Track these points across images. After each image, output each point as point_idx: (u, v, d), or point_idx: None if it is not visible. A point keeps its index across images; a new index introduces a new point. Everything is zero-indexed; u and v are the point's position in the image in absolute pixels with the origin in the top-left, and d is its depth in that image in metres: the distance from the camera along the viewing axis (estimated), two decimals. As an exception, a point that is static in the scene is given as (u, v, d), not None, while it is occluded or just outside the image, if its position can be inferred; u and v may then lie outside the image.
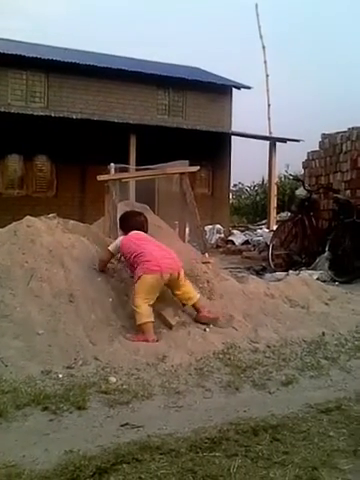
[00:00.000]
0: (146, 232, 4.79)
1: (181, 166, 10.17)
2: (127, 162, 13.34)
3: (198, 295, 4.60)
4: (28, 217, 4.95)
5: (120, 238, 4.70)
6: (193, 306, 4.57)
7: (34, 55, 15.26)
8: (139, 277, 4.24)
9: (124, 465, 2.47)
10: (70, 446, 2.63)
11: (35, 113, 14.32)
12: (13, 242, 4.60)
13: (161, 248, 4.52)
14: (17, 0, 57.39)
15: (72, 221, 5.35)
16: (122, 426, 2.93)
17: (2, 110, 13.82)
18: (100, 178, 9.59)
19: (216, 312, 4.65)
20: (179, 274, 4.44)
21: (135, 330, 4.21)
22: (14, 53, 14.93)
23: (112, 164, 10.72)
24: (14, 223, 4.94)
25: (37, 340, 3.78)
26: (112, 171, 10.58)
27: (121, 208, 8.59)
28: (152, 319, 4.22)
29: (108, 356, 3.83)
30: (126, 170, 11.67)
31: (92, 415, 3.04)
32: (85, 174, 15.74)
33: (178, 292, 4.52)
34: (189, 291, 4.56)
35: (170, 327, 4.38)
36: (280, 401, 3.41)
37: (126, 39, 41.21)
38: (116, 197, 8.96)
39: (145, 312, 4.19)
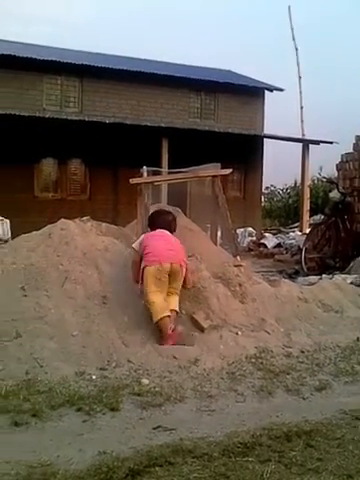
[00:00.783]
0: (173, 232, 4.74)
1: (213, 169, 10.17)
2: (159, 165, 13.38)
3: (174, 313, 4.33)
4: (63, 220, 5.03)
5: (143, 235, 4.69)
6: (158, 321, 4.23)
7: (68, 60, 15.48)
8: (143, 270, 4.23)
9: (157, 468, 2.48)
10: (103, 447, 2.65)
11: (69, 118, 14.53)
12: (48, 244, 4.67)
13: (167, 242, 4.46)
14: (46, 7, 58.34)
15: (105, 224, 5.41)
16: (154, 429, 2.95)
17: (37, 115, 14.07)
18: (133, 181, 9.67)
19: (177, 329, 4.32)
20: (181, 265, 4.36)
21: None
22: (49, 59, 15.17)
23: (145, 167, 10.76)
24: (49, 226, 5.02)
25: (71, 341, 3.83)
26: (145, 174, 10.63)
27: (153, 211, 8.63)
28: (168, 313, 4.15)
29: (140, 358, 3.85)
30: (158, 173, 11.73)
31: (125, 417, 3.06)
32: (118, 177, 15.86)
33: (171, 291, 4.37)
34: (172, 302, 4.36)
35: (202, 330, 4.38)
36: (314, 407, 3.37)
37: (157, 43, 41.35)
38: (148, 200, 9.02)
39: (159, 308, 4.13)
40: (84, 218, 5.40)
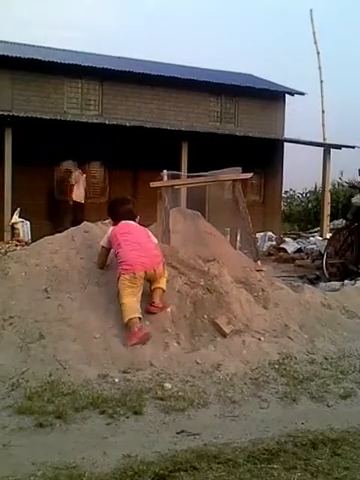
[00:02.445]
0: (134, 219, 4.67)
1: (234, 173, 10.14)
2: (179, 169, 13.39)
3: (164, 287, 4.44)
4: (85, 223, 5.05)
5: (109, 230, 4.58)
6: (152, 291, 4.39)
7: (89, 64, 15.61)
8: (118, 278, 4.20)
9: (182, 473, 2.47)
10: (128, 451, 2.65)
11: (90, 121, 14.63)
12: (71, 247, 4.69)
13: (140, 245, 4.39)
14: (70, 11, 59.04)
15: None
16: (178, 433, 2.93)
17: (59, 118, 14.20)
18: (153, 185, 9.67)
19: (165, 303, 4.43)
20: (155, 271, 4.32)
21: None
22: (70, 62, 15.30)
23: (165, 171, 10.79)
24: (72, 228, 5.04)
25: (94, 344, 3.83)
26: (165, 178, 10.66)
27: (173, 215, 8.65)
28: (138, 315, 4.10)
29: (163, 362, 3.84)
30: (178, 177, 11.73)
31: (148, 421, 3.05)
32: (137, 180, 15.92)
33: (153, 287, 4.38)
34: (162, 283, 4.44)
35: (224, 335, 4.34)
36: (339, 415, 3.33)
37: (177, 46, 41.54)
38: (168, 204, 9.03)
39: (130, 308, 4.09)
40: (106, 221, 5.40)
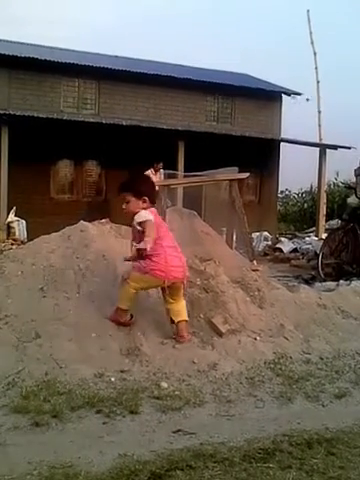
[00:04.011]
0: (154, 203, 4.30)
1: (230, 173, 10.16)
2: (175, 168, 13.40)
3: (187, 317, 4.21)
4: (82, 222, 5.05)
5: (148, 212, 4.05)
6: (176, 324, 4.16)
7: (86, 63, 15.58)
8: (144, 273, 3.99)
9: (178, 472, 2.48)
10: (124, 450, 2.65)
11: (86, 120, 14.62)
12: (67, 246, 4.69)
13: (176, 250, 4.18)
14: (67, 10, 58.95)
15: (124, 226, 5.41)
16: (175, 432, 2.94)
17: (55, 117, 14.17)
18: (150, 184, 9.67)
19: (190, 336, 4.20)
20: (183, 283, 4.17)
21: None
22: (67, 61, 15.28)
23: (162, 170, 10.80)
24: (68, 228, 5.04)
25: (90, 343, 3.83)
26: (162, 177, 10.66)
27: (169, 214, 8.66)
28: (129, 309, 4.08)
29: (159, 361, 3.85)
30: (174, 176, 11.74)
31: (145, 420, 3.06)
32: (133, 180, 15.93)
33: (172, 301, 4.15)
34: (182, 308, 4.20)
35: (220, 335, 4.36)
36: (334, 414, 3.35)
37: (174, 46, 41.51)
38: (165, 203, 9.03)
39: (130, 300, 4.04)
40: (103, 220, 5.41)
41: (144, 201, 4.10)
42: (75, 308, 4.08)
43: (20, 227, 12.92)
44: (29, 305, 4.03)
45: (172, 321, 4.16)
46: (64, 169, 15.98)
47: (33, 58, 14.75)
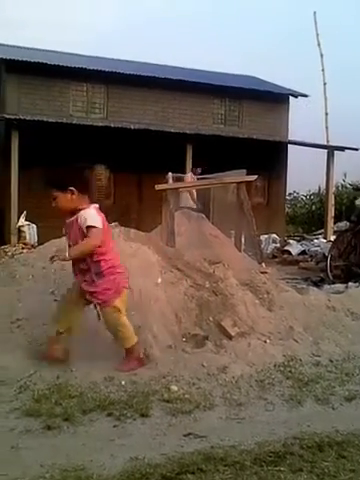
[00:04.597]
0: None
1: (238, 175, 10.17)
2: (183, 171, 13.42)
3: None
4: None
5: (92, 210, 3.65)
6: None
7: (94, 67, 15.67)
8: (119, 291, 3.70)
9: (189, 475, 2.48)
10: (135, 453, 2.66)
11: (95, 124, 14.69)
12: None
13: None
14: (75, 14, 59.41)
15: (133, 230, 5.44)
16: (185, 436, 2.95)
17: (64, 121, 14.26)
18: (158, 187, 9.70)
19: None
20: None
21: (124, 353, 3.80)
22: (76, 66, 15.38)
23: (170, 173, 10.83)
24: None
25: (100, 346, 3.85)
26: (170, 181, 10.68)
27: (178, 217, 8.68)
28: (136, 338, 3.80)
29: (169, 365, 3.86)
30: (182, 179, 11.76)
31: (155, 423, 3.07)
32: (142, 183, 15.97)
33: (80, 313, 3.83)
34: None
35: (230, 338, 4.37)
36: (344, 417, 3.34)
37: (181, 49, 41.58)
38: (173, 206, 9.05)
39: (132, 332, 3.77)
40: (112, 224, 5.44)
41: (83, 195, 3.70)
42: (85, 311, 4.09)
43: (30, 231, 13.01)
44: (40, 309, 4.06)
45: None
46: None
47: (42, 63, 14.87)
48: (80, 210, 3.63)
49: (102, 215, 3.71)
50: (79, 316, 3.79)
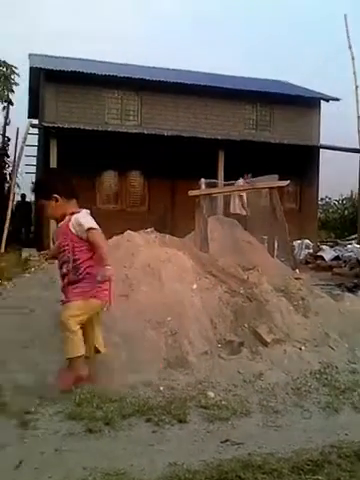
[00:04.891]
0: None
1: (270, 181, 10.14)
2: (215, 177, 13.45)
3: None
4: (128, 232, 5.16)
5: (84, 213, 3.60)
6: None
7: (127, 75, 15.87)
8: (90, 297, 3.50)
9: (227, 482, 2.51)
10: (174, 459, 2.70)
11: (129, 131, 14.87)
12: (115, 256, 4.79)
13: None
14: (107, 25, 60.33)
15: (168, 235, 5.50)
16: (223, 442, 2.97)
17: (100, 128, 14.49)
18: (191, 193, 9.75)
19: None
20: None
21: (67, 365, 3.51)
22: (109, 74, 15.61)
23: (203, 179, 10.87)
24: (115, 237, 5.16)
25: (139, 351, 3.91)
26: (203, 186, 10.72)
27: (211, 223, 8.70)
28: (84, 353, 3.50)
29: (205, 371, 3.90)
30: (215, 185, 11.78)
31: (193, 429, 3.10)
32: (175, 189, 16.06)
33: (96, 329, 3.69)
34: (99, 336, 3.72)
35: (265, 344, 4.38)
36: (383, 426, 3.31)
37: (212, 56, 41.75)
38: (206, 212, 9.08)
39: (80, 342, 3.46)
40: (148, 230, 5.53)
41: (67, 200, 3.63)
42: (123, 317, 4.17)
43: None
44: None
45: (97, 351, 3.71)
46: (109, 179, 16.31)
47: (78, 72, 15.15)
48: (71, 214, 3.56)
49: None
50: (94, 332, 3.68)
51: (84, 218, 3.55)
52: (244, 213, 11.26)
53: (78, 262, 3.52)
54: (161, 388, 3.58)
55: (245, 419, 3.30)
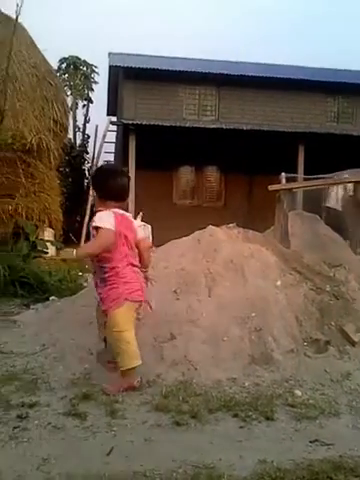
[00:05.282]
0: (125, 201, 3.63)
1: (355, 175, 9.78)
2: (295, 171, 13.18)
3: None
4: (210, 227, 5.14)
5: (109, 213, 3.40)
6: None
7: (206, 70, 15.90)
8: (119, 303, 3.37)
9: (319, 483, 2.43)
10: (263, 456, 2.65)
11: (207, 126, 14.90)
12: (197, 250, 4.80)
13: (137, 267, 3.54)
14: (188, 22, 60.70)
15: (251, 231, 5.43)
16: (311, 442, 2.88)
17: (177, 124, 14.62)
18: (272, 188, 9.59)
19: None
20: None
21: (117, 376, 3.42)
22: (187, 70, 15.72)
23: (283, 174, 10.67)
24: (197, 232, 5.16)
25: (222, 346, 3.89)
26: (283, 181, 10.53)
27: (291, 218, 8.52)
28: (139, 361, 3.39)
29: (291, 368, 3.81)
30: (295, 180, 11.54)
31: (280, 427, 3.03)
32: (252, 184, 15.91)
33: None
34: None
35: (353, 344, 4.21)
36: None
37: (290, 47, 40.87)
38: (287, 207, 8.90)
39: (134, 353, 3.36)
40: (230, 225, 5.48)
41: (103, 200, 3.51)
42: (207, 311, 4.16)
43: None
44: (163, 307, 4.17)
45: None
46: (185, 175, 16.44)
47: (156, 69, 15.37)
48: (97, 212, 3.47)
49: (122, 219, 3.45)
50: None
51: (98, 217, 3.39)
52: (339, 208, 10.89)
53: (101, 263, 3.42)
54: (246, 384, 3.53)
55: (334, 419, 3.18)
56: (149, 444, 2.72)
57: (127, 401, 3.23)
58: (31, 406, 3.13)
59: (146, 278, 3.68)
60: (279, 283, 4.61)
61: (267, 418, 3.10)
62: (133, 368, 3.36)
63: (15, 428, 2.88)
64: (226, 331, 4.01)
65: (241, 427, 2.99)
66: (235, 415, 3.09)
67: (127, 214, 3.59)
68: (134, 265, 3.48)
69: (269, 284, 4.57)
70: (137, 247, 3.57)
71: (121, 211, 3.49)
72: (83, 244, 3.46)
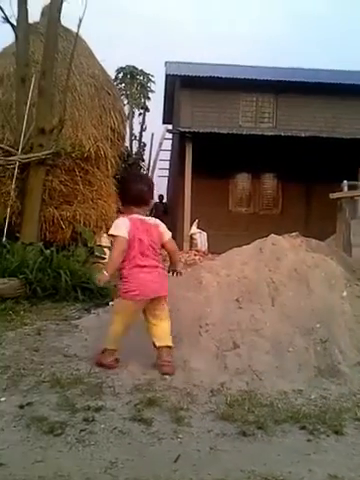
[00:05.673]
0: (148, 205, 3.85)
1: None
2: (356, 179, 12.85)
3: (171, 343, 3.84)
4: (273, 235, 5.07)
5: (127, 221, 3.71)
6: (159, 349, 3.82)
7: (264, 77, 15.80)
8: (120, 297, 3.85)
9: (395, 504, 2.33)
10: (333, 471, 2.57)
11: (265, 133, 14.77)
12: (259, 259, 4.75)
13: (151, 267, 3.76)
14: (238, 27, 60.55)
15: (315, 240, 5.32)
16: (385, 460, 2.77)
17: (234, 132, 14.59)
18: (333, 196, 9.39)
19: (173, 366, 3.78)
20: (164, 297, 3.84)
21: None
22: (245, 77, 15.67)
23: (345, 181, 10.43)
24: (259, 240, 5.11)
25: (287, 357, 3.82)
26: (345, 189, 10.29)
27: (354, 226, 8.30)
28: (117, 346, 3.85)
29: (358, 382, 3.68)
30: (356, 187, 11.26)
31: (351, 442, 2.93)
32: (310, 192, 15.63)
33: (154, 321, 3.84)
34: (167, 330, 3.85)
35: None
36: None
37: (350, 52, 39.95)
38: (349, 215, 8.68)
39: (115, 339, 3.84)
40: (293, 234, 5.39)
41: (126, 205, 3.87)
42: (270, 321, 4.10)
43: (201, 238, 13.48)
44: (226, 315, 4.15)
45: (154, 346, 3.85)
46: (242, 182, 16.36)
47: (213, 77, 15.41)
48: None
49: (141, 223, 3.75)
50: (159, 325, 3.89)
51: (114, 225, 3.76)
52: None
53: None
54: (312, 396, 3.44)
55: None
56: (215, 453, 2.69)
57: (192, 409, 3.21)
58: (97, 410, 3.16)
59: (176, 272, 4.10)
60: (345, 294, 4.48)
61: (336, 432, 3.00)
62: (109, 350, 3.85)
63: (82, 431, 2.91)
64: (290, 341, 3.93)
65: (309, 440, 2.91)
66: (302, 427, 3.02)
67: (147, 218, 3.85)
68: (143, 266, 3.75)
69: (334, 295, 4.45)
70: (164, 248, 3.95)
71: (140, 216, 3.79)
72: (107, 261, 4.01)
